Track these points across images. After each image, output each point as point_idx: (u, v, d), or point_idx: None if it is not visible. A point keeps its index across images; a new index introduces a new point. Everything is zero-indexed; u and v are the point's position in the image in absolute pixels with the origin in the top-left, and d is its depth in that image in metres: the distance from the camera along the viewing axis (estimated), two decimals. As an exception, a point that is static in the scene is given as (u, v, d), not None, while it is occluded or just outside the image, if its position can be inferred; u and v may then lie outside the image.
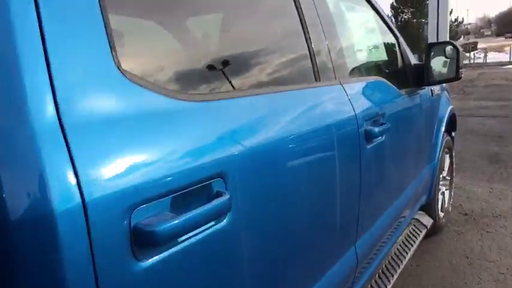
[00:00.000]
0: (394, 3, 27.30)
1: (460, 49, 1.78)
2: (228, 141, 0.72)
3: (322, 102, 1.06)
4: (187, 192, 0.62)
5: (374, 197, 1.37)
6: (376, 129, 1.24)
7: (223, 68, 0.85)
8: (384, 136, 1.34)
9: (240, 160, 0.72)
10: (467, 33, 66.54)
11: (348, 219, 1.18)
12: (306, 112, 0.98)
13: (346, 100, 1.14)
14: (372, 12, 1.73)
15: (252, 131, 0.79)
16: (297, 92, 0.99)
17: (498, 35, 76.65)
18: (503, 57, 28.61)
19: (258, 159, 0.77)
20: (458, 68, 1.77)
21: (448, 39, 20.93)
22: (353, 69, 1.38)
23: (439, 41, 17.17)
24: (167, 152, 0.61)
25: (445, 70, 1.91)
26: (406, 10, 26.82)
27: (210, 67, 0.84)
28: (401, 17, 27.00)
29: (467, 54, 29.48)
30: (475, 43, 40.65)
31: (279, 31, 1.11)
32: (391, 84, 1.57)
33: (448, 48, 1.81)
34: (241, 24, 1.01)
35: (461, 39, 43.02)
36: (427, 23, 21.92)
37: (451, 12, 23.19)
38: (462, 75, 1.80)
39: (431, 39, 20.89)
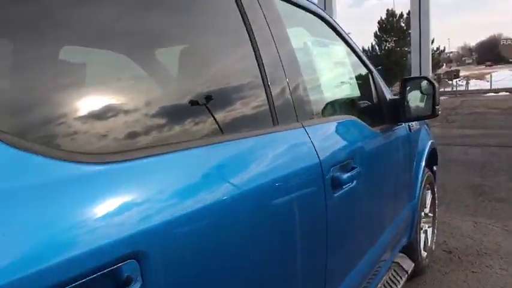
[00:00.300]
0: (378, 32, 28.11)
1: (436, 84, 1.70)
2: (147, 210, 0.58)
3: (279, 150, 0.94)
4: (86, 284, 0.48)
5: (345, 248, 1.24)
6: (345, 176, 1.12)
7: (146, 115, 0.72)
8: (354, 181, 1.22)
9: (163, 234, 0.59)
10: (449, 61, 68.80)
11: (313, 278, 1.04)
12: (258, 164, 0.85)
13: (309, 145, 1.02)
14: (343, 46, 1.65)
15: (182, 194, 0.65)
16: (246, 140, 0.86)
17: (479, 63, 79.41)
18: (484, 84, 29.48)
19: (191, 231, 0.64)
20: (434, 104, 1.68)
21: (430, 68, 21.40)
22: (319, 109, 1.27)
23: (422, 69, 17.48)
24: (53, 232, 0.47)
25: (422, 104, 1.83)
26: (389, 39, 27.61)
27: (124, 113, 0.70)
28: (385, 46, 27.76)
29: (450, 82, 30.32)
30: (457, 71, 41.98)
31: (227, 69, 0.99)
32: (364, 123, 1.46)
33: (424, 83, 1.73)
34: (174, 60, 0.89)
35: (444, 66, 44.42)
36: (410, 52, 22.62)
37: (432, 41, 24.00)
38: (439, 112, 1.71)
39: (414, 67, 21.50)
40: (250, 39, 0.97)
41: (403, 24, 26.86)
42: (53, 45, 0.67)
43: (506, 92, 20.92)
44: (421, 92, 1.72)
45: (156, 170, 0.64)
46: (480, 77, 37.95)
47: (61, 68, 0.70)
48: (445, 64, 47.63)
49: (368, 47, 28.75)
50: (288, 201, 0.90)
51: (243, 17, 0.97)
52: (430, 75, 21.11)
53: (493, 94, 20.32)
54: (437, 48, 28.73)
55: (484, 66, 66.55)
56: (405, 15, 26.00)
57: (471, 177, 4.66)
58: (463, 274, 2.46)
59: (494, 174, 4.75)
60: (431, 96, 1.69)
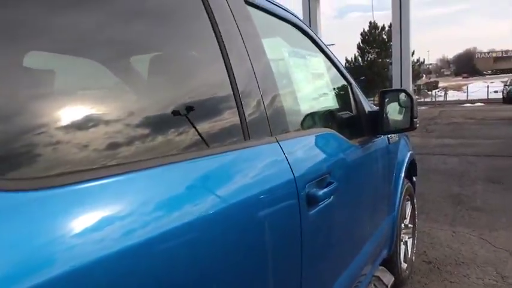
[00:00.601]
0: (361, 44, 28.65)
1: (414, 97, 1.71)
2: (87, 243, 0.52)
3: (250, 167, 0.90)
4: None
5: (322, 265, 1.21)
6: (321, 192, 1.09)
7: (100, 132, 0.65)
8: (332, 197, 1.20)
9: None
10: (429, 72, 70.61)
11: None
12: (227, 182, 0.81)
13: (283, 161, 0.99)
14: (322, 57, 1.64)
15: (140, 220, 0.60)
16: (215, 157, 0.81)
17: (456, 74, 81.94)
18: (461, 95, 30.35)
19: (151, 260, 0.59)
20: (412, 117, 1.69)
21: (411, 79, 21.85)
22: (296, 123, 1.24)
23: (402, 80, 17.80)
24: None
25: (401, 117, 1.83)
26: (371, 50, 28.17)
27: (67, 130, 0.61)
28: (368, 57, 28.29)
29: (430, 93, 31.10)
30: (436, 82, 43.20)
31: (196, 80, 0.93)
32: (342, 136, 1.45)
33: (402, 95, 1.73)
34: (137, 73, 0.84)
35: (424, 78, 45.56)
36: (391, 63, 23.16)
37: (413, 53, 24.60)
38: (417, 125, 1.72)
39: (396, 78, 22.01)
40: (221, 50, 0.93)
41: (385, 37, 27.47)
42: None
43: (481, 102, 21.59)
44: (399, 105, 1.72)
45: (107, 194, 0.58)
46: (457, 88, 39.04)
47: None
48: (425, 75, 48.86)
49: (351, 58, 29.26)
50: (260, 220, 0.86)
51: (213, 27, 0.94)
52: (411, 85, 21.54)
53: (469, 105, 20.90)
54: (418, 60, 29.47)
55: (461, 78, 68.69)
56: (387, 28, 26.60)
57: (450, 187, 4.73)
58: (441, 285, 2.47)
59: (472, 184, 4.84)
60: (410, 109, 1.69)
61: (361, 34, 28.73)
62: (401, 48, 20.58)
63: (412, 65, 24.86)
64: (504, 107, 17.99)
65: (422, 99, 28.90)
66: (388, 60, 24.60)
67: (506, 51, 79.93)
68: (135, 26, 0.82)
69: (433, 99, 28.17)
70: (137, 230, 0.57)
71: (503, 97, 21.62)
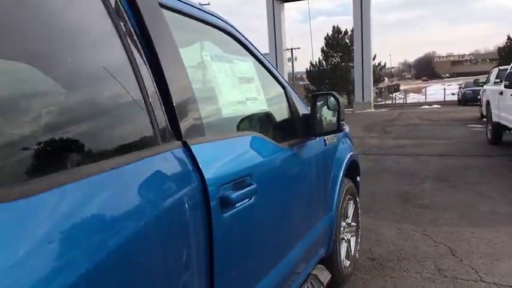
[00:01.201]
0: (325, 48, 29.32)
1: (341, 100, 1.78)
2: None
3: (158, 173, 0.90)
4: None
5: (240, 266, 1.22)
6: (237, 194, 1.11)
7: None
8: (253, 198, 1.23)
9: None
10: (391, 75, 73.21)
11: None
12: (134, 189, 0.81)
13: (191, 164, 1.00)
14: (252, 62, 1.68)
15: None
16: (125, 163, 0.80)
17: (417, 77, 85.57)
18: (421, 97, 31.79)
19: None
20: (339, 120, 1.76)
21: (372, 82, 22.66)
22: (214, 127, 1.26)
23: (364, 83, 18.46)
24: None
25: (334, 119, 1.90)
26: (335, 54, 28.90)
27: None
28: (331, 60, 28.99)
29: (391, 95, 32.30)
30: (398, 85, 44.95)
31: (100, 85, 0.89)
32: (268, 139, 1.48)
33: (331, 99, 1.80)
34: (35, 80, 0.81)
35: (386, 81, 47.23)
36: (353, 67, 23.88)
37: (374, 57, 25.49)
38: (344, 128, 1.79)
39: (357, 81, 22.68)
40: (129, 54, 0.93)
41: (348, 41, 28.27)
42: None
43: (438, 105, 22.66)
44: (328, 108, 1.79)
45: None
46: (417, 90, 40.82)
47: None
48: (387, 78, 50.66)
49: (316, 62, 29.87)
50: (165, 226, 0.87)
51: (121, 30, 0.94)
52: (372, 88, 22.34)
53: (427, 107, 21.87)
54: (379, 64, 30.48)
55: (421, 81, 71.81)
56: (350, 32, 27.39)
57: (400, 186, 4.93)
58: (382, 280, 2.57)
59: (421, 182, 5.07)
60: (337, 112, 1.76)
61: (325, 38, 29.42)
62: (362, 52, 21.36)
63: (374, 69, 25.80)
64: (458, 108, 18.99)
65: (383, 102, 29.98)
66: (351, 64, 25.31)
67: (463, 56, 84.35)
68: (33, 30, 0.80)
69: (394, 102, 29.26)
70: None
71: (458, 99, 22.82)
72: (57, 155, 0.73)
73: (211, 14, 1.48)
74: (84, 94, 0.86)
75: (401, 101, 28.99)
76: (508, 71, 6.89)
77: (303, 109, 1.94)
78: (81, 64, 0.87)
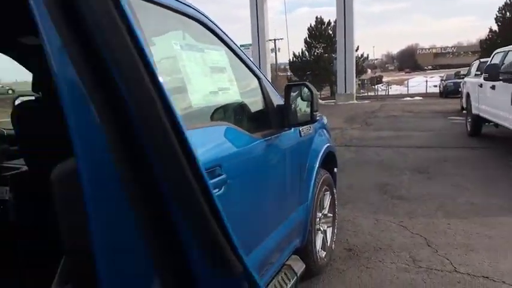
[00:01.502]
0: (308, 38, 29.28)
1: (314, 91, 1.76)
2: None
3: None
4: None
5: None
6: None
7: None
8: (223, 188, 1.21)
9: None
10: (374, 67, 73.83)
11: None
12: None
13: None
14: (225, 52, 1.64)
15: None
16: None
17: (400, 69, 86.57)
18: (403, 89, 32.16)
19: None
20: (312, 111, 1.74)
21: (354, 73, 22.75)
22: (183, 117, 1.23)
23: (346, 74, 18.59)
24: None
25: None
26: (318, 45, 28.90)
27: None
28: (314, 51, 28.99)
29: (374, 87, 32.60)
30: (381, 77, 45.37)
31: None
32: (239, 129, 1.46)
33: (305, 89, 1.78)
34: None
35: (369, 72, 47.62)
36: (336, 58, 23.93)
37: (357, 49, 25.62)
38: (318, 118, 1.78)
39: (340, 72, 22.75)
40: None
41: (331, 32, 28.29)
42: None
43: (419, 97, 22.99)
44: (302, 99, 1.77)
45: None
46: (400, 82, 41.33)
47: None
48: (370, 70, 51.09)
49: (299, 53, 29.85)
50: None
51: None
52: (354, 79, 22.49)
53: (409, 98, 22.16)
54: (362, 55, 30.65)
55: (404, 73, 72.74)
56: (333, 23, 27.40)
57: (379, 177, 4.99)
58: (358, 270, 2.60)
59: (400, 174, 5.14)
60: (310, 103, 1.75)
61: (308, 29, 29.37)
62: (345, 43, 21.42)
63: (357, 60, 25.94)
64: (440, 100, 19.30)
65: (366, 93, 30.24)
66: (334, 55, 25.38)
67: (446, 48, 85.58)
68: None
69: (376, 93, 29.56)
70: None
71: (440, 91, 23.18)
72: None
73: (182, 3, 1.43)
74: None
75: (383, 93, 29.30)
76: (488, 63, 7.03)
77: (277, 100, 1.91)
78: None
